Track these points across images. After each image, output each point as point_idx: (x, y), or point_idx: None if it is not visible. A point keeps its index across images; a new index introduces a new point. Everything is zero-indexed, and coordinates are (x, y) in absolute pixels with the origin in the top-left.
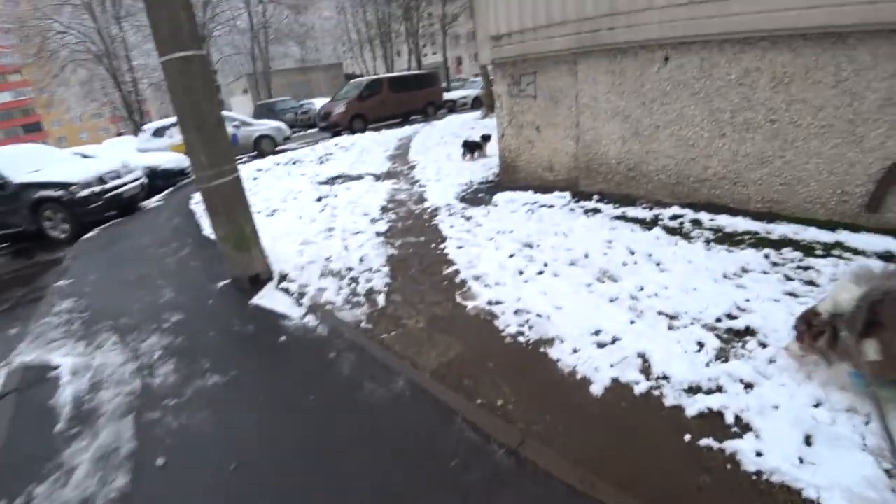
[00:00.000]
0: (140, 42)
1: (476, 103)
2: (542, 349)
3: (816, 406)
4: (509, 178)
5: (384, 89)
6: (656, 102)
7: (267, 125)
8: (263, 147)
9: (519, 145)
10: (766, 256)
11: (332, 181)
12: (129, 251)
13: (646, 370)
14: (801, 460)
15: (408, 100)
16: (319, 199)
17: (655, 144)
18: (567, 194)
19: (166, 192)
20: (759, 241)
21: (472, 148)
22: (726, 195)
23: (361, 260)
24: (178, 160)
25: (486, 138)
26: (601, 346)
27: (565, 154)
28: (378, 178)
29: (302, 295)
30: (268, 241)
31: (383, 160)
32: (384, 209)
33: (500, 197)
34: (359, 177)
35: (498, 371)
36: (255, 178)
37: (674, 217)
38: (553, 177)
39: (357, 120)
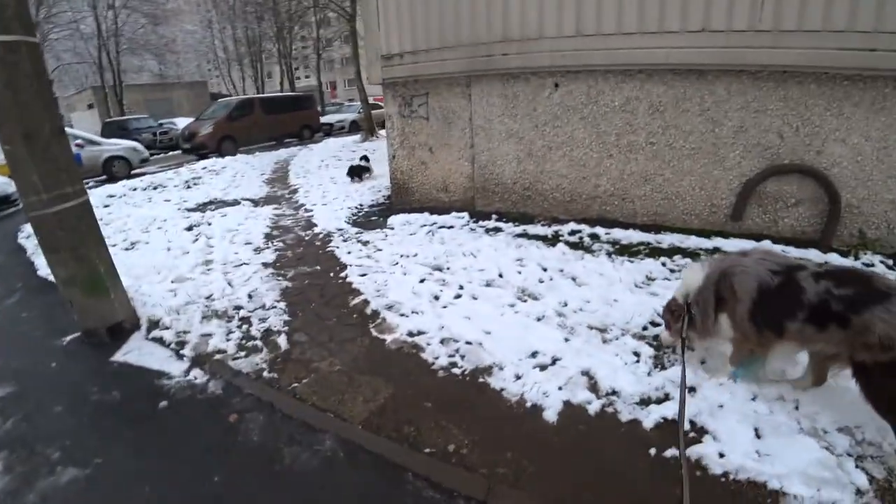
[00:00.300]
0: None
1: (353, 127)
2: (481, 379)
3: (753, 399)
4: (402, 200)
5: (256, 110)
6: (548, 125)
7: (120, 145)
8: (116, 170)
9: (412, 167)
10: (664, 264)
11: (202, 207)
12: None
13: (593, 387)
14: (759, 453)
15: (282, 122)
16: (190, 229)
17: (549, 164)
18: (465, 214)
19: None
20: (653, 251)
21: (359, 172)
22: (616, 210)
23: (251, 296)
24: (1, 184)
25: (365, 159)
26: (543, 368)
27: (460, 175)
28: (257, 203)
29: (182, 344)
30: (129, 281)
31: (260, 184)
32: (269, 237)
33: (395, 220)
34: (234, 202)
35: (440, 411)
36: (106, 206)
37: (573, 232)
38: (448, 198)
39: (226, 142)
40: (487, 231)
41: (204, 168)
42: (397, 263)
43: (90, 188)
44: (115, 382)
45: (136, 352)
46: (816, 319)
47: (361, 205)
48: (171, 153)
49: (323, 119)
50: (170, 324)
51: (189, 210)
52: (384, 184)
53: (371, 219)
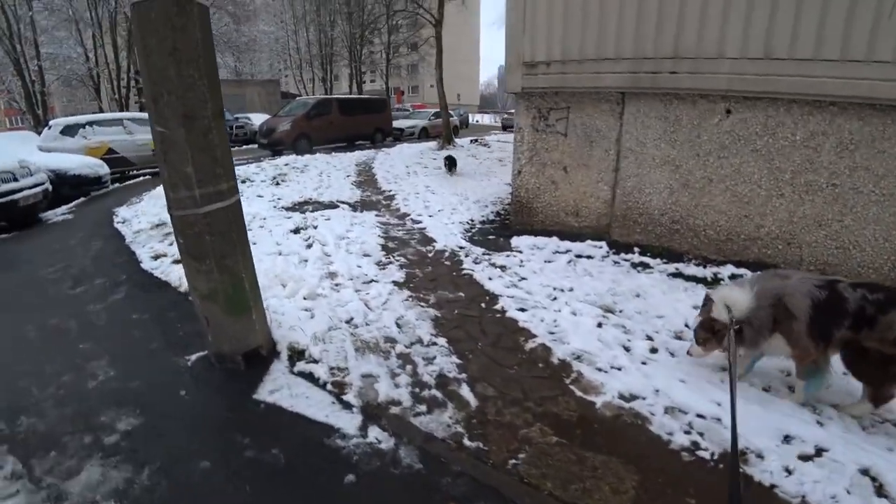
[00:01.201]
0: (51, 27)
1: (423, 134)
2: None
3: None
4: (522, 221)
5: (333, 110)
6: (712, 155)
7: None
8: None
9: (539, 185)
10: None
11: (300, 208)
12: (30, 286)
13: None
14: None
15: (357, 124)
16: (297, 231)
17: (707, 198)
18: (602, 244)
19: (75, 202)
20: None
21: (454, 163)
22: (778, 255)
23: (399, 326)
24: (94, 166)
25: (451, 159)
26: (806, 458)
27: (596, 199)
28: (355, 207)
29: (340, 387)
30: None
31: (350, 186)
32: (387, 249)
33: (520, 242)
34: (332, 205)
35: None
36: None
37: (734, 276)
38: (578, 223)
39: (302, 140)
40: (634, 266)
41: (287, 165)
42: (555, 298)
43: None
44: (271, 433)
45: (286, 391)
46: (855, 323)
47: (472, 220)
48: (245, 147)
49: (395, 123)
50: (318, 356)
51: (287, 209)
52: (488, 198)
53: (489, 237)
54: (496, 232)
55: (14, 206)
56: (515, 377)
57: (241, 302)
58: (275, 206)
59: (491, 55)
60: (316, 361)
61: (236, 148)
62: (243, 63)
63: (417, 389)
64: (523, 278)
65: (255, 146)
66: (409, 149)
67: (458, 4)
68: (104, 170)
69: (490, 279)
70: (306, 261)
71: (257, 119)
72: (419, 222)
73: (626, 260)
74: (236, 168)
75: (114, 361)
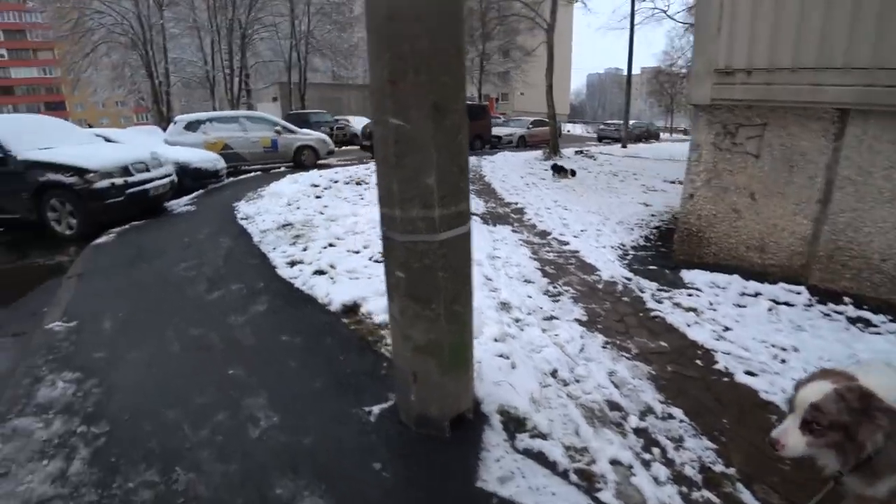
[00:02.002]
0: (178, 34)
1: (521, 142)
2: None
3: None
4: (689, 251)
5: None
6: None
7: (311, 135)
8: (304, 159)
9: (716, 213)
10: None
11: None
12: (164, 283)
13: None
14: None
15: None
16: None
17: None
18: (800, 289)
19: (195, 194)
20: None
21: (562, 171)
22: None
23: (616, 385)
24: (213, 160)
25: (558, 167)
26: None
27: (790, 234)
28: (486, 220)
29: (588, 478)
30: None
31: (471, 196)
32: (547, 275)
33: (694, 277)
34: None
35: None
36: (318, 198)
37: None
38: (762, 260)
39: None
40: (851, 322)
41: None
42: (784, 360)
43: (280, 172)
44: None
45: (521, 480)
46: None
47: (623, 244)
48: (344, 148)
49: (494, 131)
50: (546, 427)
51: None
52: (630, 219)
53: (650, 267)
54: (656, 261)
55: (146, 196)
56: (795, 479)
57: (462, 355)
58: None
59: (580, 63)
60: (544, 436)
61: (337, 149)
62: (339, 67)
63: (685, 488)
64: (727, 328)
65: (356, 147)
66: (512, 157)
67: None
68: (221, 164)
69: (688, 326)
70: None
71: (356, 121)
72: (566, 243)
73: (837, 312)
74: (346, 169)
75: (274, 401)
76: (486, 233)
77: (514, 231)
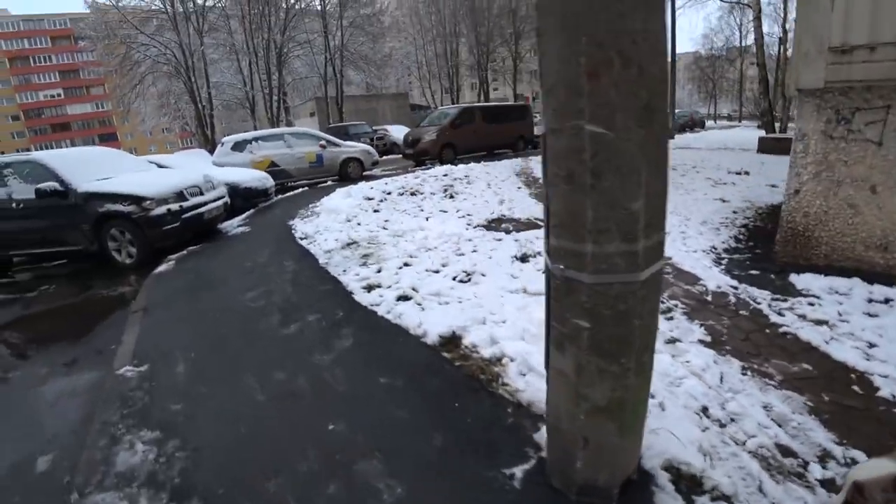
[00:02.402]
0: (218, 59)
1: None
2: None
3: None
4: (795, 252)
5: (477, 119)
6: None
7: (356, 147)
8: (350, 171)
9: (828, 209)
10: None
11: (497, 226)
12: (233, 315)
13: None
14: None
15: (500, 132)
16: (524, 259)
17: None
18: None
19: (246, 214)
20: None
21: None
22: None
23: (777, 421)
24: (261, 179)
25: None
26: None
27: None
28: None
29: None
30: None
31: (531, 200)
32: None
33: (808, 283)
34: (531, 223)
35: None
36: (376, 211)
37: None
38: (885, 260)
39: (447, 150)
40: None
41: (446, 175)
42: None
43: (328, 186)
44: None
45: None
46: None
47: (714, 247)
48: (384, 157)
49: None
50: (728, 487)
51: (485, 228)
52: (713, 218)
53: (751, 272)
54: (756, 265)
55: (200, 219)
56: None
57: (642, 412)
58: (469, 225)
59: None
60: (728, 499)
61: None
62: (372, 79)
63: None
64: (872, 344)
65: (396, 156)
66: None
67: None
68: (270, 182)
69: (826, 342)
70: None
71: (394, 131)
72: None
73: None
74: (395, 180)
75: (392, 465)
76: None
77: None
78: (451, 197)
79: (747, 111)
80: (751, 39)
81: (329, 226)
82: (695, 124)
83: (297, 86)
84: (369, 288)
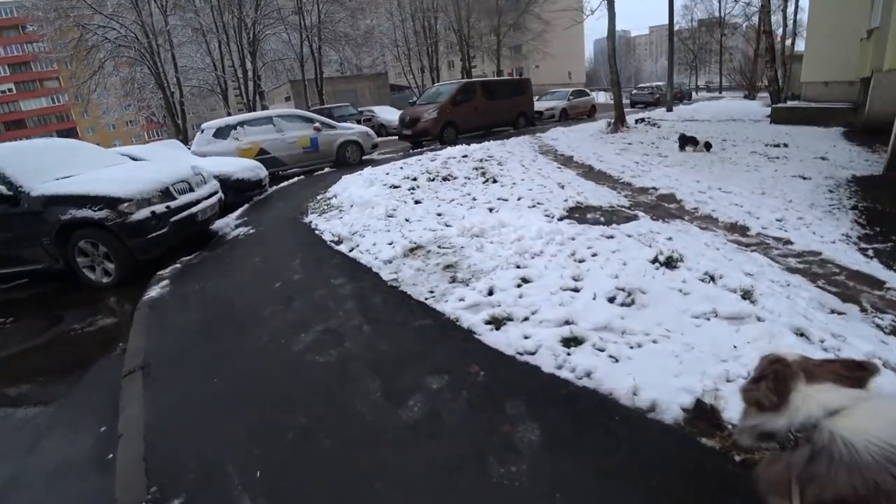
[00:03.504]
0: (185, 41)
1: (563, 115)
2: None
3: None
4: None
5: (478, 95)
6: None
7: (354, 129)
8: (349, 156)
9: None
10: None
11: (583, 217)
12: (296, 383)
13: None
14: None
15: (500, 109)
16: (670, 265)
17: None
18: None
19: (240, 210)
20: None
21: (690, 142)
22: None
23: None
24: (254, 168)
25: (685, 137)
26: None
27: None
28: (657, 217)
29: None
30: None
31: (589, 183)
32: (847, 299)
33: None
34: (623, 213)
35: None
36: (417, 202)
37: None
38: None
39: (449, 128)
40: None
41: (465, 156)
42: None
43: (326, 174)
44: None
45: None
46: None
47: (847, 234)
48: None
49: None
50: None
51: (575, 220)
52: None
53: None
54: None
55: (193, 221)
56: None
57: None
58: (550, 216)
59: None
60: None
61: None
62: (351, 57)
63: None
64: None
65: (385, 139)
66: (572, 133)
67: None
68: (263, 172)
69: None
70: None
71: (381, 112)
72: (789, 242)
73: None
74: (407, 163)
75: None
76: (685, 236)
77: (703, 229)
78: (494, 181)
79: (729, 81)
80: (728, 9)
81: (368, 223)
82: (682, 96)
83: (271, 68)
84: (495, 323)
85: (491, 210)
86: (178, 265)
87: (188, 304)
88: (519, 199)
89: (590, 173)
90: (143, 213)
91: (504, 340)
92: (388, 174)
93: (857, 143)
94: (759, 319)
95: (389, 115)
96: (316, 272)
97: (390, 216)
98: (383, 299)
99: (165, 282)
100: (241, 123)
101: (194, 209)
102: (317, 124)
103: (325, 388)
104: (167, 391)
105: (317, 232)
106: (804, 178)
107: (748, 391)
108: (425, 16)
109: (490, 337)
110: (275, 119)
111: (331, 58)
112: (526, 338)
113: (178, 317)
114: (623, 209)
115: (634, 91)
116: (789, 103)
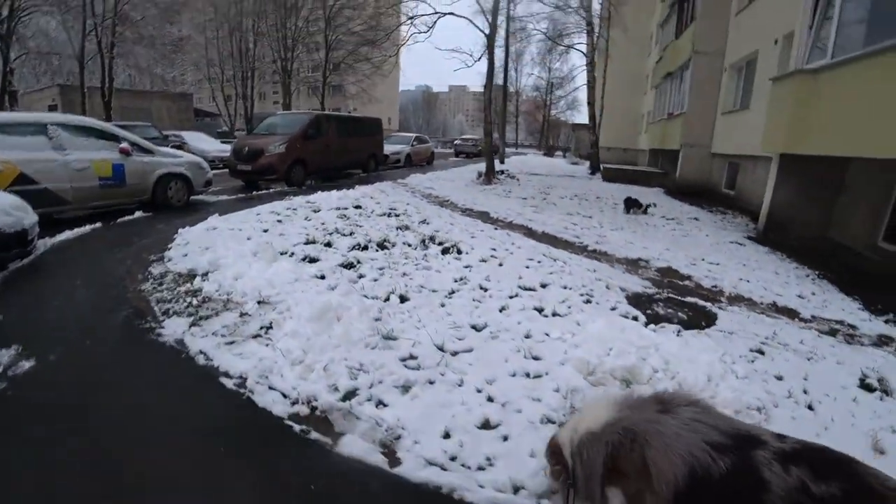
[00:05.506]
0: None
1: (407, 160)
2: None
3: None
4: None
5: (332, 130)
6: None
7: (181, 158)
8: (172, 195)
9: None
10: None
11: (658, 310)
12: None
13: None
14: None
15: (353, 148)
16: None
17: None
18: None
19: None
20: None
21: (633, 204)
22: None
23: None
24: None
25: (632, 201)
26: None
27: None
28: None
29: None
30: None
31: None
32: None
33: None
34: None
35: None
36: (402, 299)
37: None
38: None
39: (297, 167)
40: None
41: (358, 207)
42: None
43: (136, 220)
44: None
45: None
46: None
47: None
48: None
49: None
50: None
51: (652, 322)
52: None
53: None
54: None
55: None
56: None
57: None
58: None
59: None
60: None
61: None
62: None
63: None
64: None
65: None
66: (443, 182)
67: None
68: (29, 217)
69: None
70: None
71: (193, 139)
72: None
73: None
74: (289, 212)
75: None
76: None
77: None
78: (458, 252)
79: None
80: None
81: (332, 355)
82: (497, 150)
83: (30, 63)
84: None
85: (522, 320)
86: None
87: None
88: (544, 286)
89: (542, 237)
90: None
91: None
92: (282, 234)
93: (682, 201)
94: None
95: (203, 143)
96: None
97: (378, 332)
98: None
99: None
100: None
101: None
102: (124, 144)
103: None
104: None
105: (220, 377)
106: (739, 245)
107: None
108: (243, 37)
109: None
110: (51, 128)
111: (128, 62)
112: None
113: None
114: (676, 298)
115: (458, 141)
116: (615, 165)
